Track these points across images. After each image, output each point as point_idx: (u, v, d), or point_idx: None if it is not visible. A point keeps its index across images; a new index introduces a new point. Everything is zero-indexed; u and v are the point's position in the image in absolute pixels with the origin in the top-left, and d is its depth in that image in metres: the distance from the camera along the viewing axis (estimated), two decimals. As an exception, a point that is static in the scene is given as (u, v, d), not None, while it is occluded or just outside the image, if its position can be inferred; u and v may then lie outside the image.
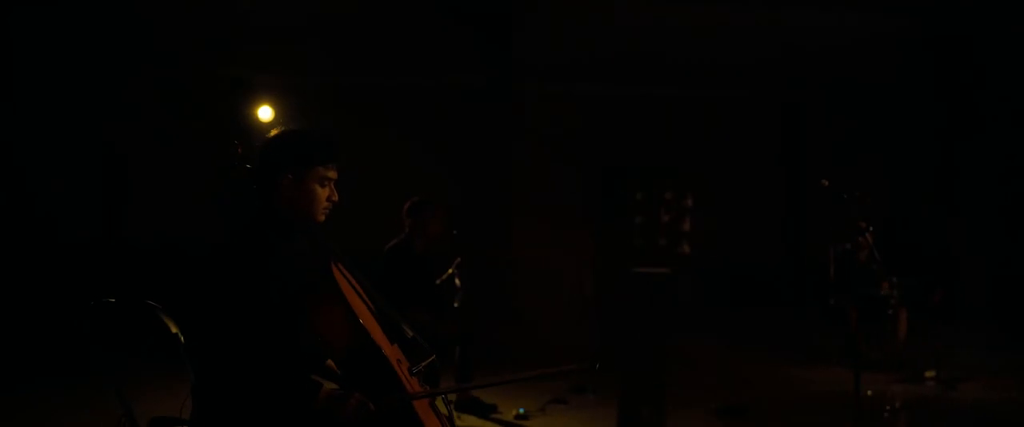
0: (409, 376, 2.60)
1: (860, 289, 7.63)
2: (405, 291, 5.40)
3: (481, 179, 9.65)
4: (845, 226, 6.08)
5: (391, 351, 2.60)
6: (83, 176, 9.42)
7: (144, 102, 9.53)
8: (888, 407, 6.27)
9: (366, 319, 2.55)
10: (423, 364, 2.66)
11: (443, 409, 2.73)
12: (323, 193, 2.61)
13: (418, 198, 5.70)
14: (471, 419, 5.71)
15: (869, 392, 6.76)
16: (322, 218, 2.63)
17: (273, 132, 2.68)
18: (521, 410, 5.81)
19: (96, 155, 9.52)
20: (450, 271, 5.72)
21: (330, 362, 2.71)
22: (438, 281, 5.76)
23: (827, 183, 4.53)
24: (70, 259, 8.65)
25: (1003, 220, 10.54)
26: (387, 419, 2.46)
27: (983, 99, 10.38)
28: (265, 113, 9.21)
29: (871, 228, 5.36)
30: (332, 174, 2.62)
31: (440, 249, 5.78)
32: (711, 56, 9.53)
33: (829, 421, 5.82)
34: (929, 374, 7.13)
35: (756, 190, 10.93)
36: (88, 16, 8.17)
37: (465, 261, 5.86)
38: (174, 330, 2.97)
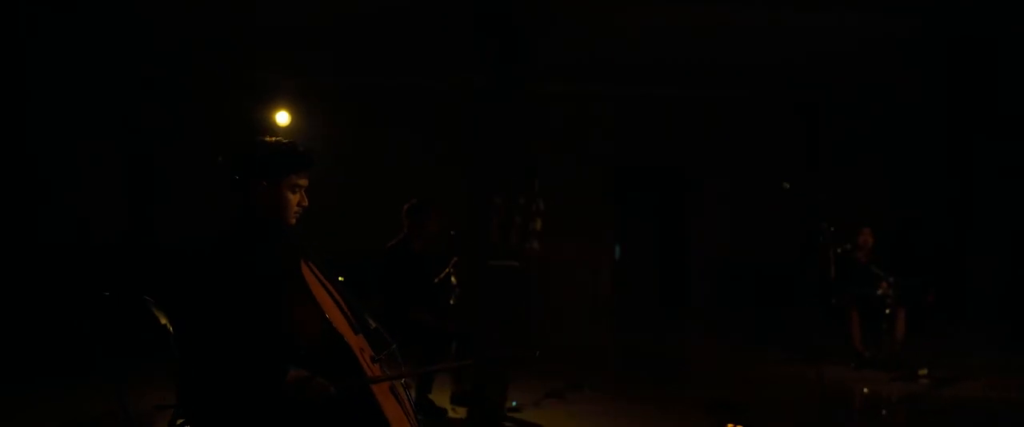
0: (371, 363, 2.86)
1: (859, 289, 7.75)
2: (404, 290, 5.66)
3: (493, 179, 9.80)
4: (809, 228, 6.20)
5: (354, 340, 2.86)
6: (108, 177, 9.70)
7: (155, 102, 9.83)
8: (884, 410, 6.41)
9: (331, 312, 2.82)
10: (384, 352, 2.92)
11: (403, 393, 2.98)
12: (294, 199, 2.88)
13: (417, 200, 5.91)
14: (465, 411, 5.93)
15: (866, 390, 6.91)
16: (293, 221, 2.91)
17: (251, 142, 2.95)
18: (514, 403, 6.00)
19: (120, 156, 9.81)
20: (447, 270, 5.94)
21: (301, 351, 2.98)
22: (436, 280, 5.99)
23: (788, 186, 4.66)
24: (98, 260, 8.77)
25: (1013, 220, 10.55)
26: (348, 401, 2.72)
27: (993, 99, 10.40)
28: (282, 118, 9.53)
29: (833, 228, 5.48)
30: (303, 181, 2.89)
31: (437, 249, 6.01)
32: (713, 57, 9.64)
33: (825, 420, 5.96)
34: (922, 373, 7.25)
35: (765, 190, 11.02)
36: (102, 18, 8.30)
37: (461, 260, 6.09)
38: (163, 321, 3.24)
